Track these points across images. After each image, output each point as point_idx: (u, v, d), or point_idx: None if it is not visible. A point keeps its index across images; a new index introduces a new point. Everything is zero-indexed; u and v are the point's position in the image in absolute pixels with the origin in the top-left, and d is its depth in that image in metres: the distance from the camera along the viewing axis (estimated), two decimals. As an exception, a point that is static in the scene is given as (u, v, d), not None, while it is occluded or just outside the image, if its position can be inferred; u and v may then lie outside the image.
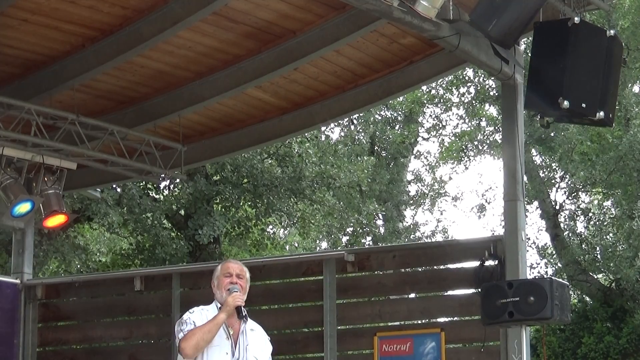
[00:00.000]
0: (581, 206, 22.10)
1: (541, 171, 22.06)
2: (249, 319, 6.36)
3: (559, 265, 21.73)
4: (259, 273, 11.26)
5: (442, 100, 24.23)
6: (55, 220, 11.66)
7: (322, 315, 10.97)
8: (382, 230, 24.19)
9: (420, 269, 11.07)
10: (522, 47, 10.83)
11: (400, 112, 24.94)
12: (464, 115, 24.10)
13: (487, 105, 23.44)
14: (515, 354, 9.66)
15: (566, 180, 21.89)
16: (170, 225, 20.05)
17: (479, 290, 9.93)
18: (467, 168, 25.53)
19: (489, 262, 10.31)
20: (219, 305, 6.29)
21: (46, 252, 18.36)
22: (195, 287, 12.06)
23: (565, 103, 9.11)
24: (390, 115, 25.06)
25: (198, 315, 6.23)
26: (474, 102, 23.26)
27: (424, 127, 25.48)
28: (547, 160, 22.07)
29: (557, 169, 22.00)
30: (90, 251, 21.30)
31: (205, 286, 12.05)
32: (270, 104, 12.00)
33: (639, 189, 19.99)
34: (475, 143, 24.22)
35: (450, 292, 11.04)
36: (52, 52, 10.67)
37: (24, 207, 11.28)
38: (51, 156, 11.34)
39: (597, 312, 20.76)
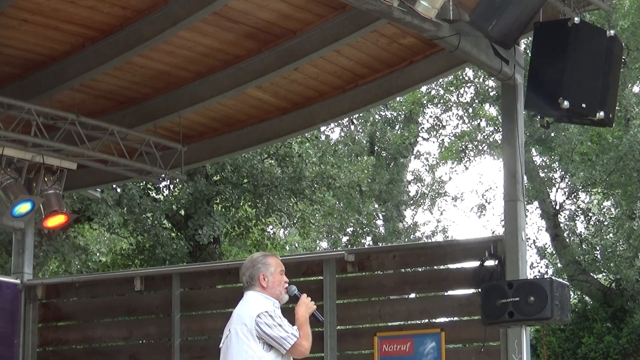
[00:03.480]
0: (581, 206, 22.10)
1: (541, 171, 22.06)
2: None
3: (559, 265, 21.74)
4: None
5: (442, 101, 24.24)
6: (55, 220, 11.66)
7: (322, 315, 10.95)
8: (382, 230, 24.18)
9: (420, 269, 11.07)
10: (522, 47, 10.82)
11: (400, 113, 24.94)
12: (463, 116, 24.11)
13: (487, 105, 23.44)
14: (515, 354, 9.67)
15: (566, 180, 21.90)
16: (170, 225, 20.05)
17: (479, 290, 9.93)
18: (467, 168, 25.55)
19: (489, 262, 10.31)
20: (278, 304, 6.27)
21: (46, 253, 18.35)
22: (195, 287, 12.06)
23: (565, 103, 9.11)
24: (390, 116, 25.06)
25: (277, 310, 6.21)
26: (474, 102, 23.26)
27: (424, 127, 25.49)
28: (547, 160, 22.07)
29: (557, 169, 22.01)
30: (90, 251, 21.29)
31: (205, 286, 12.09)
32: (270, 104, 12.00)
33: (639, 189, 19.99)
34: (475, 143, 24.23)
35: (450, 292, 11.04)
36: (52, 52, 10.67)
37: (24, 207, 11.28)
38: (51, 156, 11.34)
39: (597, 312, 20.76)
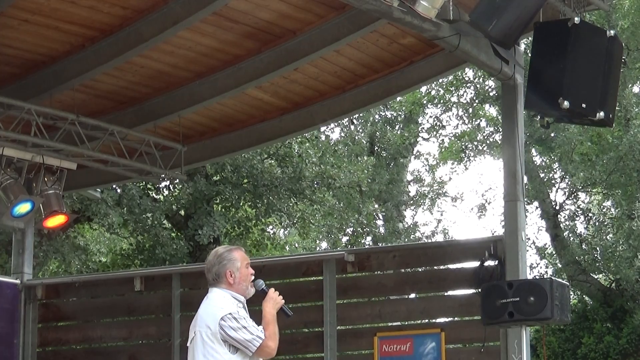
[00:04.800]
0: (581, 206, 22.10)
1: (541, 171, 22.06)
2: None
3: (559, 265, 21.73)
4: (259, 273, 11.02)
5: (442, 101, 24.24)
6: (55, 221, 11.66)
7: (322, 315, 10.97)
8: (382, 230, 24.18)
9: (420, 269, 11.07)
10: (522, 47, 10.83)
11: (400, 113, 24.95)
12: (463, 116, 24.11)
13: (487, 105, 23.44)
14: (515, 354, 9.66)
15: (566, 180, 21.89)
16: (170, 225, 20.06)
17: (479, 290, 9.93)
18: (467, 168, 25.54)
19: (489, 262, 10.31)
20: (240, 298, 6.15)
21: (46, 253, 18.35)
22: (195, 287, 12.05)
23: (565, 103, 9.11)
24: (390, 116, 25.06)
25: (241, 311, 6.09)
26: (474, 102, 23.26)
27: (424, 127, 25.49)
28: (547, 160, 22.06)
29: (557, 169, 22.00)
30: (90, 251, 21.29)
31: (205, 286, 12.05)
32: (270, 104, 12.00)
33: (638, 189, 19.98)
34: (475, 143, 24.23)
35: (450, 293, 11.03)
36: (52, 52, 10.68)
37: (24, 207, 11.29)
38: (51, 156, 11.35)
39: (597, 312, 20.76)
